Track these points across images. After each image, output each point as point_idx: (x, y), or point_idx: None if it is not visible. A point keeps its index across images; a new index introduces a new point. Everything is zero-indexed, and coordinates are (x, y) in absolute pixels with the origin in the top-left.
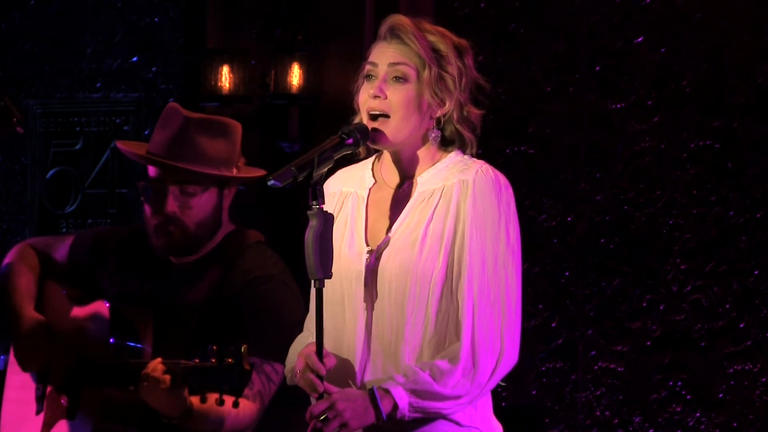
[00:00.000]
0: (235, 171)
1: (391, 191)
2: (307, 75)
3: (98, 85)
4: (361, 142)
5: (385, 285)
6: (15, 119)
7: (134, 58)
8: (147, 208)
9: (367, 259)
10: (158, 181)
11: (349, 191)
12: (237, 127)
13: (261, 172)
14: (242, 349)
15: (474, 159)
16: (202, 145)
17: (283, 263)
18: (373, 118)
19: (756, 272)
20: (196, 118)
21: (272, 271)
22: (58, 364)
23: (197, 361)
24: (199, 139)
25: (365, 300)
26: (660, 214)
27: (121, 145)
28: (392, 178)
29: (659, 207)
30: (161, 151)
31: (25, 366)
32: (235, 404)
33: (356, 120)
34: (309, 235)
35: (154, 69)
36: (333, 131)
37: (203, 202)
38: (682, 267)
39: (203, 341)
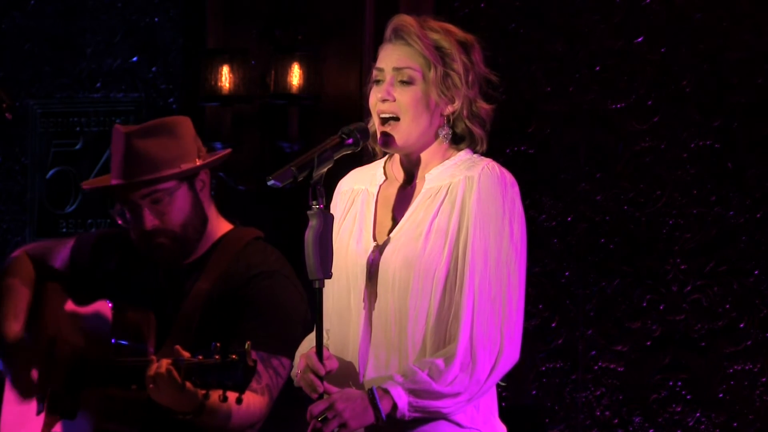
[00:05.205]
0: (197, 161)
1: (401, 188)
2: (307, 75)
3: (98, 85)
4: (361, 142)
5: (389, 279)
6: (4, 105)
7: (134, 58)
8: (131, 230)
9: (372, 253)
10: (129, 203)
11: (360, 188)
12: (180, 121)
13: (225, 152)
14: (246, 345)
15: (482, 157)
16: (148, 151)
17: (284, 258)
18: (384, 121)
19: (756, 272)
20: (136, 129)
21: (274, 267)
22: (59, 365)
23: (201, 357)
24: (144, 146)
25: (369, 294)
26: (660, 214)
27: (85, 185)
28: (402, 175)
29: (659, 207)
30: (117, 175)
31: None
32: (239, 401)
33: (369, 123)
34: (309, 235)
35: (154, 69)
36: (333, 131)
37: (179, 204)
38: (682, 267)
39: (206, 340)
